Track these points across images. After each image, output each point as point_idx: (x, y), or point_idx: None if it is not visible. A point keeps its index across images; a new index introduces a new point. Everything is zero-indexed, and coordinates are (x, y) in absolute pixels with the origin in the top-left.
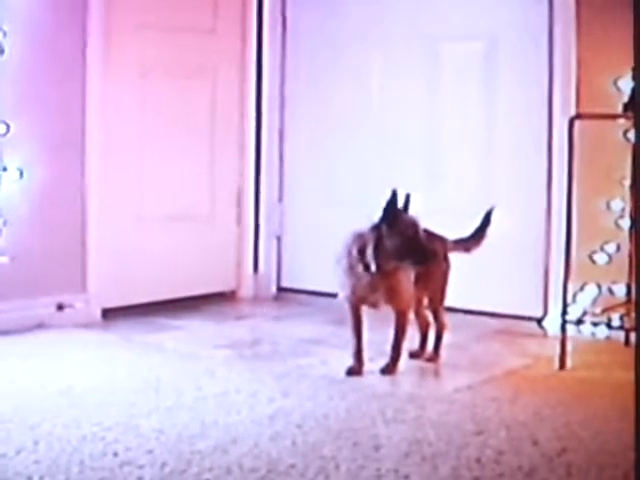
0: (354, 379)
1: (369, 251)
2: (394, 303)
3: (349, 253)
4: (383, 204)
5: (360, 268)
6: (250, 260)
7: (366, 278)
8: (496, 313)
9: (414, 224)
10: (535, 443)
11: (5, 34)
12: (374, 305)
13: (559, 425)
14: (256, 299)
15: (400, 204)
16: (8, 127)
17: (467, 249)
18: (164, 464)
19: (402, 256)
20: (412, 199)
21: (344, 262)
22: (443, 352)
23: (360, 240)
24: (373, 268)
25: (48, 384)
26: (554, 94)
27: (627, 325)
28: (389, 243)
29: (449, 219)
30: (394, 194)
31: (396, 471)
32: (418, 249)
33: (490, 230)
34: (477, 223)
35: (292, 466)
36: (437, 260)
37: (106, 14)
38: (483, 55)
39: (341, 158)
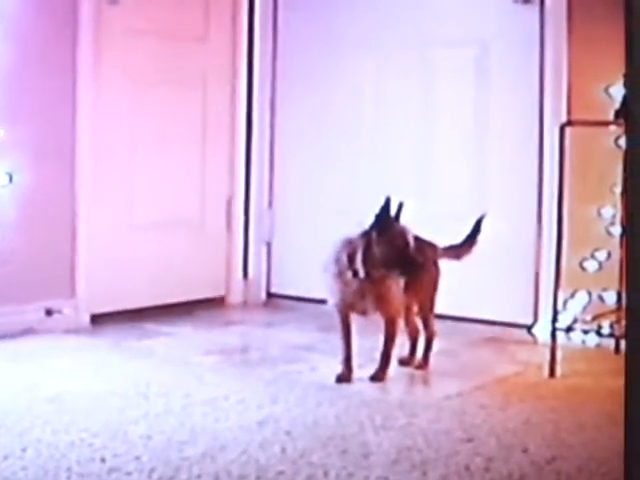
0: (343, 386)
1: (358, 257)
2: (383, 310)
3: (338, 259)
4: (375, 210)
5: (349, 274)
6: (240, 266)
7: (355, 285)
8: (486, 320)
9: (404, 234)
10: (525, 451)
11: None
12: (363, 312)
13: (549, 433)
14: (246, 305)
15: (392, 212)
16: None
17: (457, 256)
18: (152, 470)
19: (389, 265)
20: (404, 207)
21: (333, 268)
22: (433, 359)
23: (349, 246)
24: (362, 275)
25: (36, 390)
26: (545, 101)
27: (617, 333)
28: (378, 251)
29: (440, 226)
30: (387, 201)
31: (385, 478)
32: (406, 260)
33: (481, 237)
34: (468, 230)
35: (281, 473)
36: (427, 267)
37: (96, 20)
38: (475, 62)
39: (332, 164)
